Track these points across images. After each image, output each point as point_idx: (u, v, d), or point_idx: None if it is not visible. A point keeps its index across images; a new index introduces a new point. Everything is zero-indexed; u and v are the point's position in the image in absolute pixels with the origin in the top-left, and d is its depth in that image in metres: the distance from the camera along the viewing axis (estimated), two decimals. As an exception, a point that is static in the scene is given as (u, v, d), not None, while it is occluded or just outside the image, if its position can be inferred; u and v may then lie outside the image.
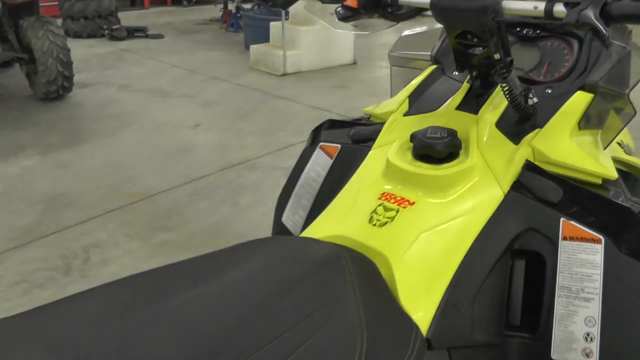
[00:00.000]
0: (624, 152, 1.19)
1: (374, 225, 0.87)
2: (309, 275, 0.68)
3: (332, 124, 1.25)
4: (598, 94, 1.04)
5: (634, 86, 1.08)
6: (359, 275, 0.73)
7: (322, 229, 0.90)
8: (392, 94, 1.35)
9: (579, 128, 1.01)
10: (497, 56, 0.97)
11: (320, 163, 1.18)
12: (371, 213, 0.89)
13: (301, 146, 3.46)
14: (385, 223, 0.86)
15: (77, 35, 7.05)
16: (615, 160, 1.08)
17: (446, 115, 1.08)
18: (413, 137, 0.96)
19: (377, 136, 1.10)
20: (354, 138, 1.17)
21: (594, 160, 0.94)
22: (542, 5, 0.85)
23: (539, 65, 1.14)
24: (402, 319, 0.75)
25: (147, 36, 7.19)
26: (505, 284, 0.89)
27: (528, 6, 0.87)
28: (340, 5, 1.10)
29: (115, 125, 3.90)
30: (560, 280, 0.85)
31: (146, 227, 2.54)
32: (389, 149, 1.00)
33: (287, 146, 3.45)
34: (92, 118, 4.06)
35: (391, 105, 1.22)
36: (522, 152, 0.96)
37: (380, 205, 0.90)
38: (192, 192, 2.86)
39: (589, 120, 1.03)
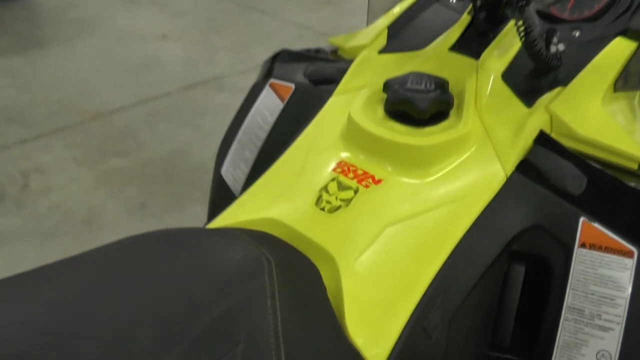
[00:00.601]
0: None
1: (322, 209, 0.63)
2: (207, 305, 0.45)
3: (290, 56, 1.00)
4: None
5: None
6: (287, 296, 0.50)
7: (251, 207, 0.67)
8: (369, 21, 1.09)
9: (614, 90, 0.76)
10: None
11: (268, 105, 0.93)
12: (320, 191, 0.65)
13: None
14: (338, 207, 0.63)
15: None
16: None
17: (436, 57, 0.82)
18: (387, 86, 0.71)
19: (341, 78, 0.85)
20: (312, 77, 0.91)
21: (631, 138, 0.69)
22: None
23: None
24: (347, 354, 0.53)
25: None
26: (495, 295, 0.67)
27: None
28: None
29: (75, 31, 3.55)
30: (570, 298, 0.63)
31: (96, 150, 2.29)
32: (354, 99, 0.75)
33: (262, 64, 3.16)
34: (50, 21, 3.71)
35: (364, 37, 0.96)
36: (535, 119, 0.71)
37: (333, 180, 0.66)
38: (151, 113, 2.59)
39: (627, 79, 0.78)
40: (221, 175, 0.99)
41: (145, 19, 3.86)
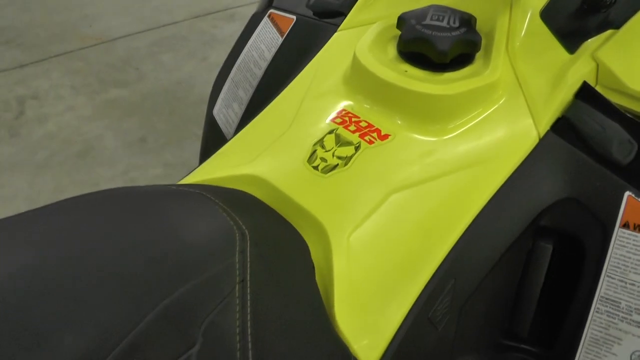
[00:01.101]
0: None
1: (316, 167, 0.52)
2: (153, 294, 0.36)
3: None
4: None
5: None
6: (262, 280, 0.40)
7: (233, 160, 0.56)
8: None
9: None
10: None
11: (266, 39, 0.82)
12: (315, 145, 0.54)
13: None
14: (335, 167, 0.52)
15: None
16: None
17: None
18: (401, 21, 0.60)
19: (349, 10, 0.73)
20: (316, 8, 0.79)
21: None
22: None
23: None
24: (332, 352, 0.43)
25: None
26: (516, 277, 0.57)
27: None
28: None
29: (82, -50, 3.38)
30: (604, 287, 0.53)
31: (96, 78, 2.17)
32: (362, 35, 0.64)
33: (275, -4, 2.99)
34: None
35: None
36: (578, 68, 0.60)
37: (331, 132, 0.55)
38: (156, 41, 2.45)
39: None
40: (213, 116, 0.88)
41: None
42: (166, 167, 1.72)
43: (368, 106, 0.58)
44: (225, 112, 0.86)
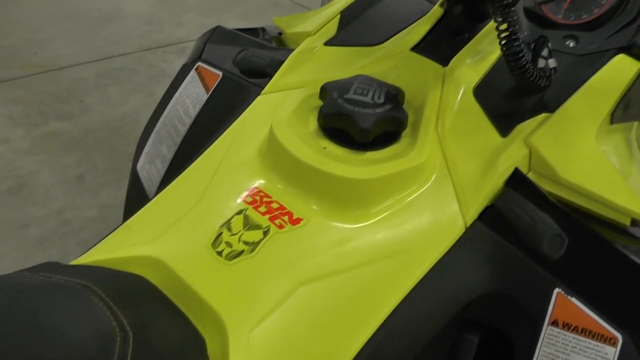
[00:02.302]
0: None
1: (219, 253, 0.48)
2: None
3: (224, 36, 0.83)
4: None
5: None
6: None
7: (137, 236, 0.52)
8: (323, 2, 0.94)
9: (612, 121, 0.62)
10: None
11: (191, 94, 0.78)
12: (221, 227, 0.50)
13: (245, 35, 2.99)
14: (240, 253, 0.48)
15: None
16: None
17: (394, 57, 0.67)
18: (323, 92, 0.56)
19: (274, 72, 0.70)
20: (242, 67, 0.75)
21: (628, 188, 0.56)
22: None
23: None
24: None
25: None
26: None
27: None
28: None
29: (34, -27, 3.30)
30: None
31: (37, 109, 2.10)
32: (284, 102, 0.61)
33: (230, 32, 2.96)
34: (9, -40, 3.44)
35: (312, 22, 0.80)
36: (510, 153, 0.57)
37: (240, 213, 0.51)
38: (104, 73, 2.39)
39: (628, 108, 0.64)
40: (137, 171, 0.84)
41: (113, -32, 3.62)
42: (102, 209, 1.65)
43: (281, 186, 0.54)
44: (149, 169, 0.82)
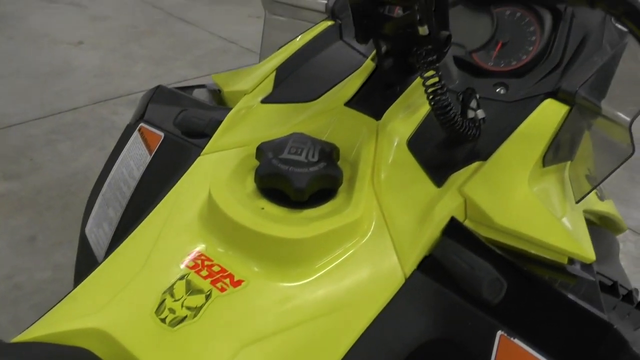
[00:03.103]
0: (597, 196, 0.84)
1: (163, 320, 0.49)
2: None
3: (166, 96, 0.84)
4: (576, 107, 0.68)
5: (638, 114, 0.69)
6: None
7: (82, 306, 0.53)
8: (262, 54, 0.96)
9: (544, 164, 0.64)
10: (423, 30, 0.58)
11: (135, 156, 0.79)
12: (164, 293, 0.51)
13: (195, 82, 3.01)
14: (183, 319, 0.49)
15: None
16: (586, 213, 0.75)
17: (329, 113, 0.69)
18: (259, 153, 0.58)
19: (213, 132, 0.71)
20: (182, 128, 0.76)
21: (562, 229, 0.58)
22: None
23: (490, 43, 0.76)
24: None
25: None
26: None
27: None
28: None
29: (-19, 29, 3.29)
30: None
31: (-15, 170, 2.07)
32: (222, 165, 0.63)
33: (180, 80, 2.98)
34: (-46, 18, 3.42)
35: (249, 80, 0.81)
36: (446, 203, 0.59)
37: (182, 278, 0.52)
38: (54, 129, 2.38)
39: (558, 151, 0.66)
40: (85, 235, 0.84)
41: (62, 21, 3.62)
42: (56, 270, 1.64)
43: (222, 249, 0.55)
44: (96, 232, 0.82)
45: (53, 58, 3.05)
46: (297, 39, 0.86)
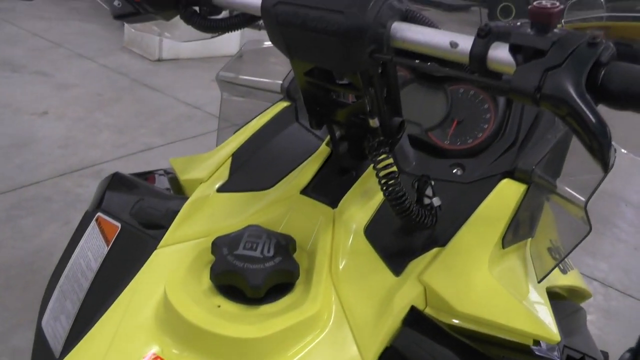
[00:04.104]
0: (560, 271, 0.83)
1: None
2: None
3: (123, 183, 0.83)
4: (533, 186, 0.69)
5: (594, 191, 0.70)
6: None
7: None
8: (218, 141, 0.96)
9: (503, 246, 0.64)
10: (373, 123, 0.60)
11: (92, 247, 0.78)
12: None
13: (160, 151, 3.01)
14: None
15: None
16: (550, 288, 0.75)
17: (285, 202, 0.69)
18: (214, 248, 0.57)
19: (169, 223, 0.71)
20: (138, 219, 0.75)
21: (525, 311, 0.58)
22: (466, 43, 0.49)
23: (445, 121, 0.76)
24: None
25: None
26: None
27: (438, 40, 0.50)
28: None
29: (-58, 103, 3.26)
30: None
31: (-57, 250, 2.03)
32: (177, 260, 0.62)
33: (145, 149, 2.99)
34: None
35: (205, 167, 0.81)
36: (405, 292, 0.59)
37: None
38: (16, 204, 2.35)
39: (518, 230, 0.66)
40: (42, 328, 0.82)
41: (27, 91, 3.61)
42: (14, 355, 1.59)
43: (177, 351, 0.54)
44: (53, 325, 0.81)
45: (16, 129, 3.03)
46: (253, 122, 0.87)
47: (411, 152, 0.73)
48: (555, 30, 0.45)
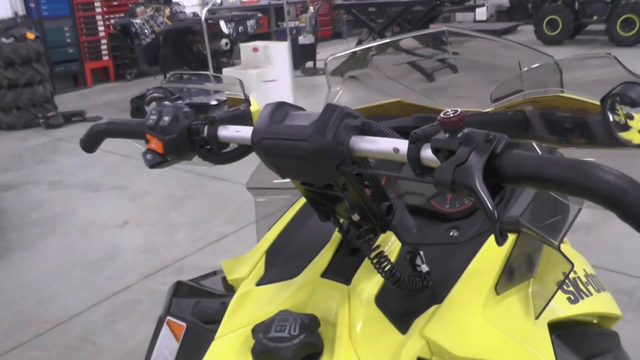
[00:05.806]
0: (568, 301, 0.86)
1: None
2: None
3: (184, 290, 1.00)
4: (522, 234, 0.77)
5: (564, 234, 0.77)
6: None
7: None
8: (258, 234, 1.10)
9: (497, 293, 0.73)
10: (354, 217, 0.72)
11: (166, 344, 0.93)
12: None
13: (234, 237, 3.18)
14: None
15: (11, 128, 6.72)
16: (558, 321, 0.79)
17: (308, 286, 0.82)
18: (254, 335, 0.71)
19: (222, 318, 0.85)
20: (199, 317, 0.90)
21: (520, 348, 0.67)
22: (404, 147, 0.61)
23: None
24: None
25: (84, 120, 6.91)
26: None
27: (385, 147, 0.63)
28: (146, 149, 0.86)
29: (38, 233, 3.59)
30: None
31: (53, 365, 2.24)
32: (229, 347, 0.75)
33: (220, 238, 3.19)
34: (14, 227, 3.75)
35: (246, 266, 0.97)
36: (410, 347, 0.69)
37: None
38: (110, 312, 2.56)
39: (512, 275, 0.75)
40: None
41: (107, 207, 3.92)
42: None
43: None
44: None
45: (102, 244, 3.31)
46: (281, 220, 1.01)
47: (412, 223, 0.83)
48: (465, 130, 0.56)
